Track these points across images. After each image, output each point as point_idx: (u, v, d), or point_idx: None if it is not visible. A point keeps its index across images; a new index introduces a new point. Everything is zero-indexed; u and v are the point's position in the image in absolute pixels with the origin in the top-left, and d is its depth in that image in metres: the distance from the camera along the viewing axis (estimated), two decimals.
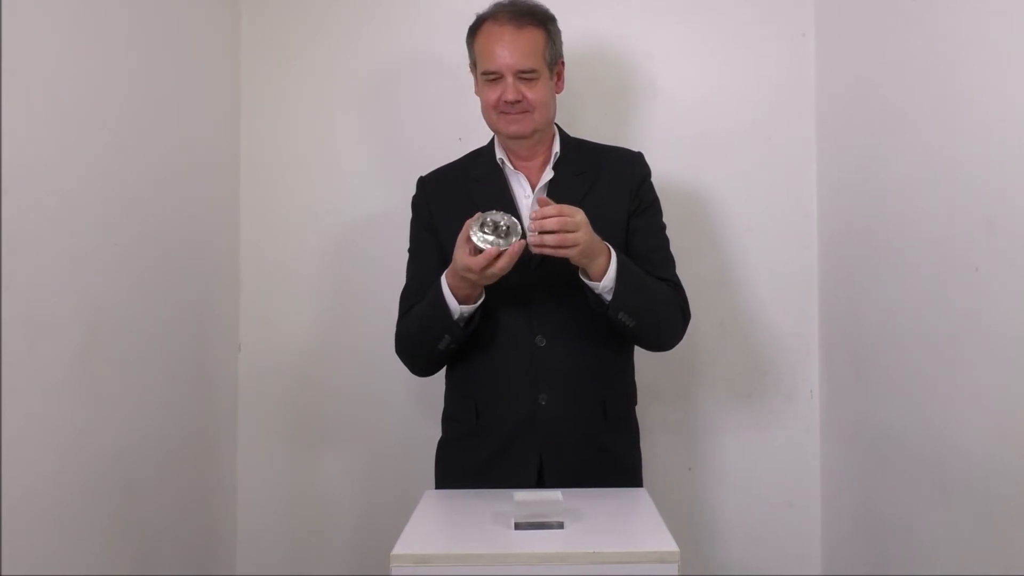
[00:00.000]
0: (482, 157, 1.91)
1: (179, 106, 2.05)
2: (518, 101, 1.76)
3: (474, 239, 1.60)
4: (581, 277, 1.68)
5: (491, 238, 1.60)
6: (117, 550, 1.76)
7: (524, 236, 1.63)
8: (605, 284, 1.66)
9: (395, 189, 2.10)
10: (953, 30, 1.68)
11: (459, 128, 2.25)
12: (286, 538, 2.38)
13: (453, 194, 1.88)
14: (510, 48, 1.75)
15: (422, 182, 1.94)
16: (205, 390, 2.20)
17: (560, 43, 1.85)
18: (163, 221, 1.96)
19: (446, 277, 1.71)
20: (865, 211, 2.06)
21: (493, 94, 1.78)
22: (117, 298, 1.76)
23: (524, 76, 1.76)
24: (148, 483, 1.88)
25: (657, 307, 1.74)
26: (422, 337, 1.78)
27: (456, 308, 1.70)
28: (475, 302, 1.71)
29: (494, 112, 1.80)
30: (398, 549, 1.36)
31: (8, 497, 1.41)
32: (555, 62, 1.84)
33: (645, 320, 1.71)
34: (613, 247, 1.69)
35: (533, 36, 1.78)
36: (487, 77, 1.78)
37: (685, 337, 1.84)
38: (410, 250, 1.93)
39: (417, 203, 1.93)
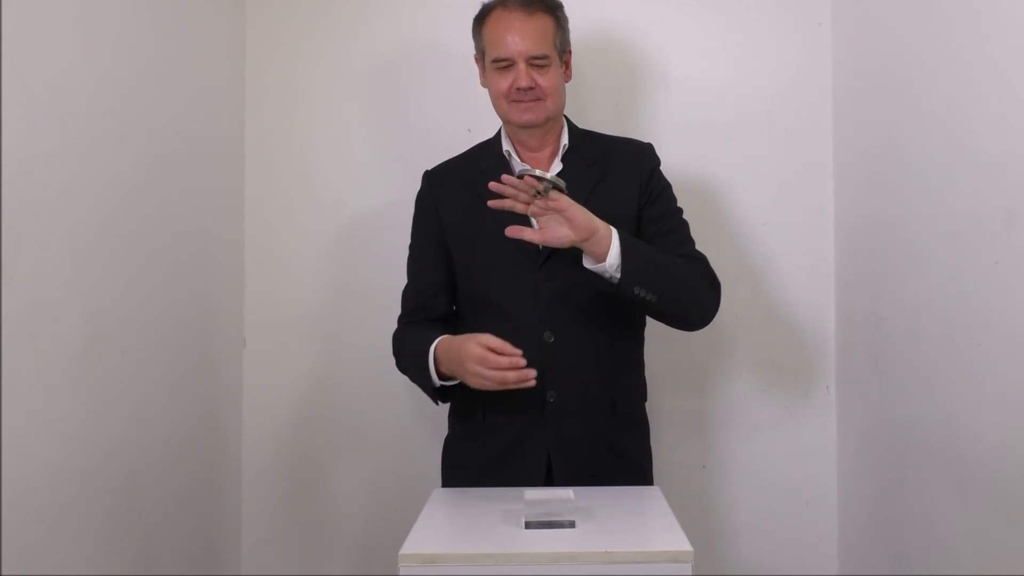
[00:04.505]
0: (489, 150, 1.89)
1: (183, 97, 2.03)
2: (531, 88, 1.74)
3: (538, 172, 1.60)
4: (585, 264, 1.64)
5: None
6: (120, 548, 1.74)
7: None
8: (611, 262, 1.61)
9: (403, 182, 2.07)
10: (972, 19, 1.65)
11: (468, 119, 2.22)
12: (292, 537, 2.36)
13: (459, 188, 1.86)
14: (521, 35, 1.73)
15: (428, 176, 1.93)
16: (209, 386, 2.18)
17: (568, 31, 1.83)
18: (167, 215, 1.94)
19: (437, 347, 1.70)
20: (883, 203, 2.03)
21: (504, 82, 1.75)
22: (120, 293, 1.74)
23: (536, 63, 1.74)
24: (151, 480, 1.86)
25: (675, 276, 1.69)
26: (413, 379, 1.80)
27: (438, 382, 1.71)
28: (459, 379, 1.70)
29: (505, 101, 1.77)
30: (406, 548, 1.35)
31: (9, 495, 1.39)
32: (564, 50, 1.82)
33: (666, 291, 1.66)
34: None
35: (543, 22, 1.76)
36: (497, 64, 1.76)
37: (699, 331, 1.81)
38: (411, 247, 1.91)
39: (422, 198, 1.91)
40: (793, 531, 2.30)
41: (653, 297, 1.64)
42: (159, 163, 1.90)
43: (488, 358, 1.57)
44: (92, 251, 1.64)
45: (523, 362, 1.56)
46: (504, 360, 1.57)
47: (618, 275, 1.62)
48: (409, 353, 1.80)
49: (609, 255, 1.61)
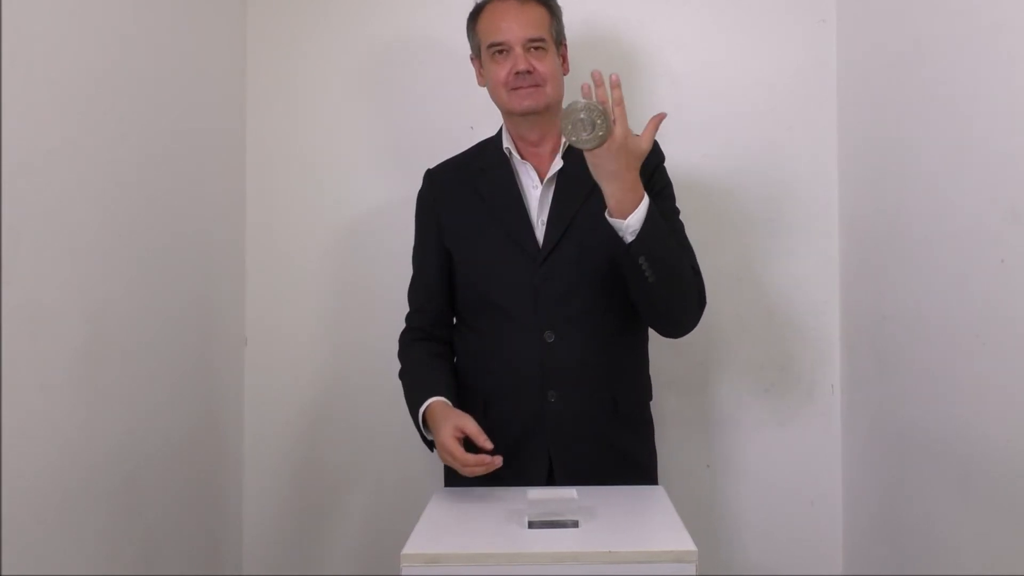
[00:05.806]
0: (489, 148, 1.89)
1: (184, 97, 2.02)
2: (529, 72, 1.74)
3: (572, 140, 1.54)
4: (607, 216, 1.59)
5: (587, 135, 1.53)
6: (120, 548, 1.73)
7: (606, 131, 1.54)
8: (631, 224, 1.56)
9: (404, 181, 2.07)
10: (976, 17, 1.64)
11: (471, 117, 2.21)
12: (293, 536, 2.35)
13: (459, 187, 1.86)
14: (516, 20, 1.75)
15: (428, 175, 1.93)
16: (210, 385, 2.17)
17: (562, 22, 1.84)
18: (168, 213, 1.93)
19: (426, 413, 1.70)
20: (887, 202, 2.02)
21: (502, 70, 1.76)
22: (121, 291, 1.73)
23: (533, 45, 1.75)
24: (152, 480, 1.85)
25: (678, 269, 1.65)
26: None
27: (428, 435, 1.73)
28: None
29: (505, 89, 1.77)
30: (408, 548, 1.34)
31: (9, 495, 1.38)
32: (560, 41, 1.83)
33: (664, 278, 1.61)
34: None
35: (538, 11, 1.78)
36: (494, 50, 1.76)
37: (703, 330, 1.79)
38: (415, 246, 1.92)
39: (422, 197, 1.91)
40: (797, 531, 2.29)
41: (652, 277, 1.59)
42: (160, 162, 1.89)
43: (456, 455, 1.60)
44: (92, 251, 1.63)
45: (488, 458, 1.58)
46: (471, 458, 1.59)
47: (632, 238, 1.57)
48: (407, 395, 1.81)
49: (632, 216, 1.56)
